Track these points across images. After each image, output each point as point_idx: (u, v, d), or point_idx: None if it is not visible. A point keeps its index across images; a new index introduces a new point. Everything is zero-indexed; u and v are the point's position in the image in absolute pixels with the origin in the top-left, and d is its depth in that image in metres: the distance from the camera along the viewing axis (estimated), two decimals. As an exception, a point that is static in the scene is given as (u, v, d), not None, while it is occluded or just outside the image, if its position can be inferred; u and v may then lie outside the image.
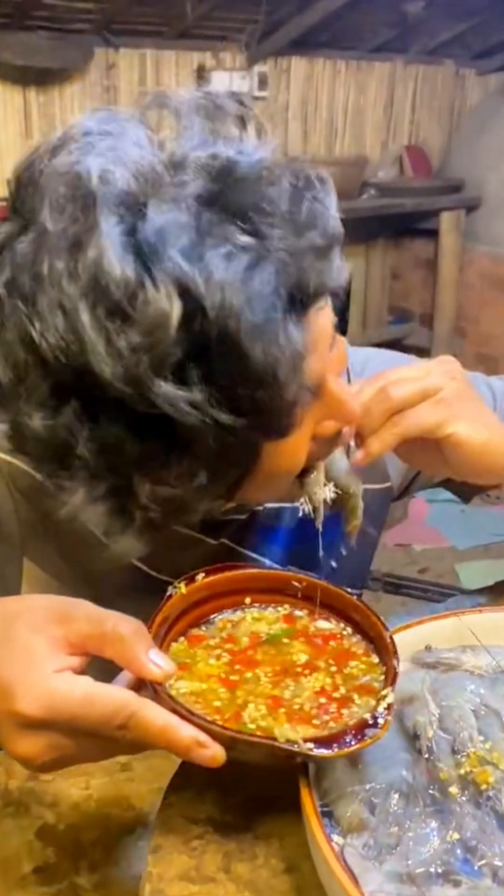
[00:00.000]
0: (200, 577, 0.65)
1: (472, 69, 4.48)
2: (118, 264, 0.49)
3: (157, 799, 0.62)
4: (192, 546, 0.79)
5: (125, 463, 0.55)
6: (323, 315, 0.60)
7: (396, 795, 0.55)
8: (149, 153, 0.53)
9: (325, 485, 0.69)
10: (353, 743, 0.52)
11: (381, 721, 0.53)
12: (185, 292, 0.50)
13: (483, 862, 0.51)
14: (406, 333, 4.44)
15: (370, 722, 0.53)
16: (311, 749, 0.51)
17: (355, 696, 0.57)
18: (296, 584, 0.67)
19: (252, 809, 0.59)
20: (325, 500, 0.68)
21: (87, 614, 0.54)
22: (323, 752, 0.51)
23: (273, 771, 0.56)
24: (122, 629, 0.53)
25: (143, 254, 0.50)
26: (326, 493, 0.68)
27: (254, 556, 0.85)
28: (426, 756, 0.58)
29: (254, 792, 0.60)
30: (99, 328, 0.50)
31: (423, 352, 4.43)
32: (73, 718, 0.50)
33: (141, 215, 0.51)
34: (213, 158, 0.53)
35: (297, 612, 0.66)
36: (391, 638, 0.60)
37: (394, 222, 4.27)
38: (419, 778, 0.57)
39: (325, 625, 0.65)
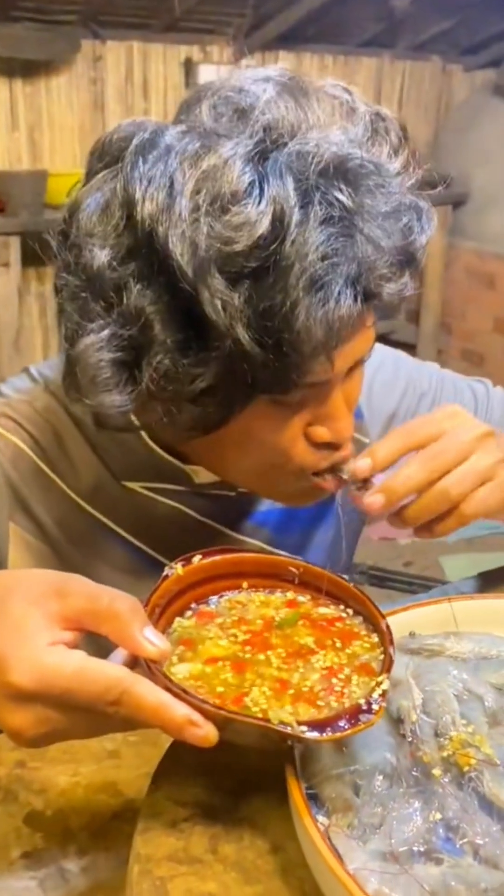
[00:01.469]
0: (197, 559, 0.65)
1: (458, 65, 4.51)
2: (239, 169, 0.56)
3: (144, 785, 0.62)
4: (178, 520, 0.81)
5: (151, 330, 0.60)
6: (365, 336, 0.67)
7: (381, 777, 0.56)
8: (312, 114, 0.61)
9: None
10: (346, 727, 0.52)
11: (375, 707, 0.54)
12: (278, 220, 0.56)
13: (465, 840, 0.52)
14: (392, 329, 4.45)
15: (364, 707, 0.54)
16: (303, 732, 0.51)
17: (355, 677, 0.58)
18: (293, 569, 0.67)
19: (238, 793, 0.60)
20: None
21: (83, 590, 0.54)
22: (315, 735, 0.51)
23: (268, 753, 0.56)
24: (119, 606, 0.53)
25: (264, 173, 0.57)
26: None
27: (241, 538, 0.87)
28: (410, 739, 0.59)
29: (241, 776, 0.61)
30: (195, 207, 0.57)
31: (409, 348, 4.45)
32: (65, 692, 0.50)
33: (278, 146, 0.58)
34: (357, 148, 0.61)
35: (301, 598, 0.66)
36: (387, 626, 0.61)
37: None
38: (403, 760, 0.58)
39: (327, 610, 0.65)
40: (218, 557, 0.66)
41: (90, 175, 0.64)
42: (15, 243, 3.06)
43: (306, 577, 0.67)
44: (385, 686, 0.56)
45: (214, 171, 0.57)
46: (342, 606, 0.65)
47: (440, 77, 4.48)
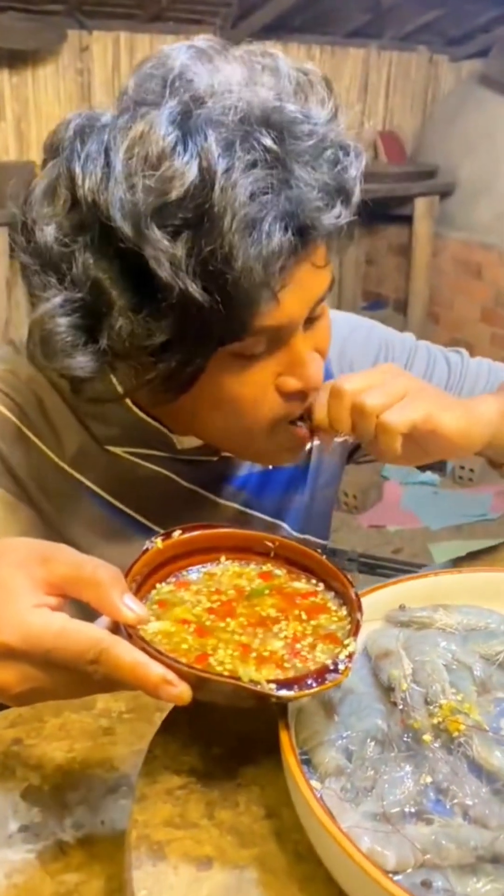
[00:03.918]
0: (177, 533, 0.67)
1: (445, 55, 4.51)
2: (164, 130, 0.61)
3: (139, 761, 0.64)
4: (159, 484, 0.84)
5: (106, 295, 0.64)
6: (317, 277, 0.69)
7: (372, 743, 0.57)
8: (231, 74, 0.65)
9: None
10: (314, 685, 0.54)
11: (341, 667, 0.55)
12: (204, 168, 0.60)
13: (455, 802, 0.53)
14: (380, 319, 4.44)
15: (331, 667, 0.55)
16: (272, 689, 0.53)
17: (320, 645, 0.60)
18: (269, 543, 0.69)
19: (234, 761, 0.61)
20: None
21: (67, 558, 0.56)
22: (285, 692, 0.53)
23: (242, 712, 0.58)
24: (100, 574, 0.55)
25: (188, 131, 0.61)
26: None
27: (221, 501, 0.89)
28: (400, 707, 0.61)
29: (235, 744, 0.62)
30: (128, 172, 0.61)
31: (397, 337, 4.45)
32: (48, 651, 0.53)
33: (199, 105, 0.62)
34: (278, 100, 0.64)
35: (277, 572, 0.68)
36: (356, 594, 0.63)
37: (368, 208, 4.29)
38: (394, 727, 0.59)
39: (301, 585, 0.67)
40: (197, 533, 0.68)
41: (43, 166, 0.68)
42: (2, 234, 3.05)
43: (282, 551, 0.69)
44: (352, 648, 0.57)
45: (143, 137, 0.61)
46: (315, 581, 0.67)
47: (427, 67, 4.48)
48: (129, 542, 0.82)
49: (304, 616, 0.63)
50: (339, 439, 0.75)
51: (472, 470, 3.52)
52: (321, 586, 0.66)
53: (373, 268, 4.66)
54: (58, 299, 0.65)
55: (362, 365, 0.99)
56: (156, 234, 0.60)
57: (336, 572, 0.65)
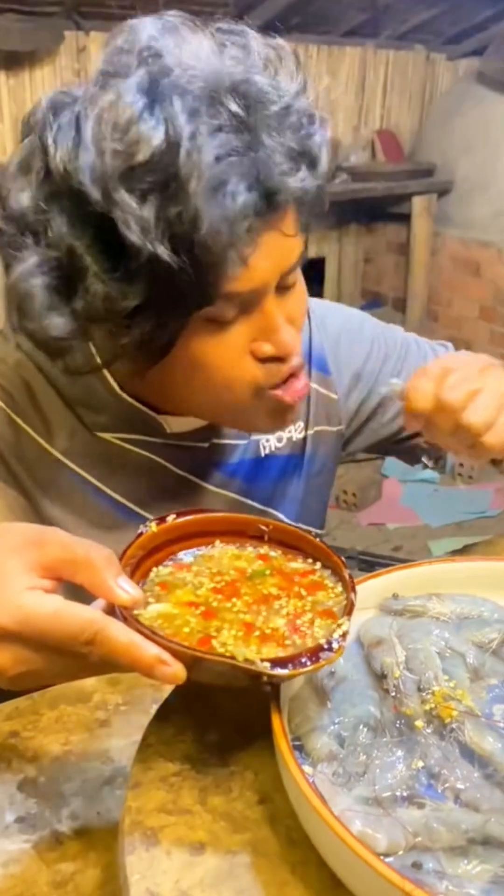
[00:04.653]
0: (171, 517, 0.67)
1: (442, 54, 4.51)
2: (132, 98, 0.62)
3: (134, 751, 0.64)
4: (150, 470, 0.85)
5: (79, 260, 0.65)
6: (287, 244, 0.71)
7: (365, 729, 0.58)
8: (199, 47, 0.66)
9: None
10: (308, 664, 0.54)
11: (335, 646, 0.56)
12: (171, 133, 0.61)
13: (446, 786, 0.54)
14: (379, 318, 4.46)
15: (325, 647, 0.56)
16: (267, 668, 0.53)
17: (318, 620, 0.60)
18: (263, 527, 0.69)
19: (227, 748, 0.62)
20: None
21: (61, 541, 0.56)
22: (279, 671, 0.53)
23: (238, 694, 0.59)
24: (94, 556, 0.56)
25: (155, 97, 0.62)
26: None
27: (213, 488, 0.90)
28: (393, 694, 0.61)
29: (229, 731, 0.63)
30: (97, 138, 0.62)
31: (396, 336, 4.46)
32: (42, 633, 0.53)
33: (166, 75, 0.64)
34: (247, 72, 0.66)
35: (272, 553, 0.68)
36: (349, 575, 0.63)
37: (366, 207, 4.29)
38: (386, 713, 0.59)
39: (297, 565, 0.67)
40: (191, 517, 0.68)
41: (21, 142, 0.70)
42: None
43: (276, 534, 0.69)
44: (346, 628, 0.58)
45: (112, 105, 0.63)
46: (310, 560, 0.67)
47: (424, 66, 4.49)
48: (118, 529, 0.83)
49: (303, 592, 0.63)
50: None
51: (471, 467, 3.52)
52: (318, 565, 0.67)
53: (371, 266, 4.66)
54: (34, 259, 0.67)
55: (357, 356, 0.99)
56: (124, 196, 0.62)
57: (329, 553, 0.65)
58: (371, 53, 4.24)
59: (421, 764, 0.55)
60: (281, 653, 0.56)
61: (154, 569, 0.65)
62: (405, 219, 4.21)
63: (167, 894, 0.51)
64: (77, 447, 0.84)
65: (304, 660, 0.54)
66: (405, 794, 0.53)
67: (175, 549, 0.67)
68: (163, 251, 0.62)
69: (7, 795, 0.72)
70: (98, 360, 0.76)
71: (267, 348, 0.73)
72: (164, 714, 0.65)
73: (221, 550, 0.68)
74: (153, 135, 0.61)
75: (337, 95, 4.12)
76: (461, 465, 3.54)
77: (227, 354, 0.72)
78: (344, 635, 0.57)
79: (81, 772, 0.74)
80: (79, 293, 0.67)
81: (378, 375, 1.00)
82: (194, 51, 0.66)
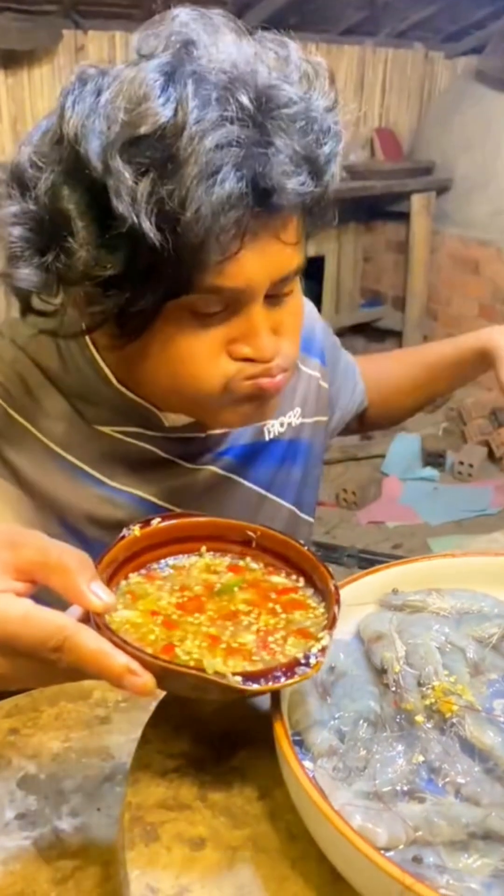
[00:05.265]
0: (156, 521, 0.65)
1: (440, 52, 4.52)
2: (152, 78, 0.64)
3: (134, 748, 0.64)
4: (149, 461, 0.85)
5: (64, 215, 0.67)
6: (283, 252, 0.71)
7: (365, 724, 0.58)
8: (233, 46, 0.68)
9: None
10: (282, 679, 0.52)
11: (312, 661, 0.54)
12: (179, 113, 0.63)
13: (447, 780, 0.54)
14: (378, 316, 4.47)
15: (302, 661, 0.54)
16: (238, 682, 0.51)
17: (291, 638, 0.58)
18: (250, 533, 0.67)
19: (226, 744, 0.61)
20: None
21: (35, 543, 0.55)
22: (251, 685, 0.52)
23: (208, 703, 0.58)
24: (67, 559, 0.54)
25: (173, 79, 0.64)
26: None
27: (217, 470, 0.90)
28: (393, 689, 0.61)
29: (229, 727, 0.63)
30: (110, 108, 0.65)
31: (395, 334, 4.47)
32: (10, 637, 0.52)
33: (190, 61, 0.66)
34: (274, 80, 0.67)
35: (253, 565, 0.67)
36: (335, 586, 0.61)
37: (365, 205, 4.30)
38: (387, 708, 0.59)
39: (279, 580, 0.65)
40: (175, 521, 0.66)
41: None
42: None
43: (263, 541, 0.67)
44: (325, 642, 0.56)
45: (132, 81, 0.65)
46: (295, 577, 0.65)
47: (422, 64, 4.49)
48: (116, 520, 0.82)
49: (278, 609, 0.61)
50: None
51: (471, 465, 3.52)
52: (301, 581, 0.64)
53: (370, 265, 4.66)
54: (13, 209, 0.68)
55: (329, 343, 1.05)
56: (120, 166, 0.63)
57: (316, 563, 0.63)
58: (370, 52, 4.24)
59: (421, 758, 0.55)
60: (248, 667, 0.54)
61: (130, 574, 0.63)
62: (404, 217, 4.22)
63: (167, 890, 0.51)
64: (76, 441, 0.84)
65: (278, 674, 0.52)
66: (405, 788, 0.53)
67: (157, 555, 0.66)
68: (148, 226, 0.63)
69: (7, 792, 0.72)
70: (76, 328, 0.76)
71: (244, 350, 0.73)
72: (164, 710, 0.65)
73: (194, 561, 0.66)
74: (161, 112, 0.63)
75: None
76: (461, 462, 3.54)
77: (202, 349, 0.72)
78: (323, 650, 0.55)
79: (81, 769, 0.74)
80: (57, 252, 0.68)
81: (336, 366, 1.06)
82: (227, 48, 0.67)
